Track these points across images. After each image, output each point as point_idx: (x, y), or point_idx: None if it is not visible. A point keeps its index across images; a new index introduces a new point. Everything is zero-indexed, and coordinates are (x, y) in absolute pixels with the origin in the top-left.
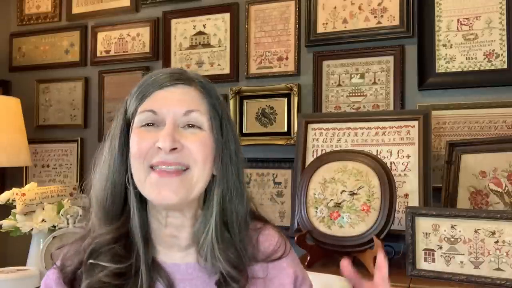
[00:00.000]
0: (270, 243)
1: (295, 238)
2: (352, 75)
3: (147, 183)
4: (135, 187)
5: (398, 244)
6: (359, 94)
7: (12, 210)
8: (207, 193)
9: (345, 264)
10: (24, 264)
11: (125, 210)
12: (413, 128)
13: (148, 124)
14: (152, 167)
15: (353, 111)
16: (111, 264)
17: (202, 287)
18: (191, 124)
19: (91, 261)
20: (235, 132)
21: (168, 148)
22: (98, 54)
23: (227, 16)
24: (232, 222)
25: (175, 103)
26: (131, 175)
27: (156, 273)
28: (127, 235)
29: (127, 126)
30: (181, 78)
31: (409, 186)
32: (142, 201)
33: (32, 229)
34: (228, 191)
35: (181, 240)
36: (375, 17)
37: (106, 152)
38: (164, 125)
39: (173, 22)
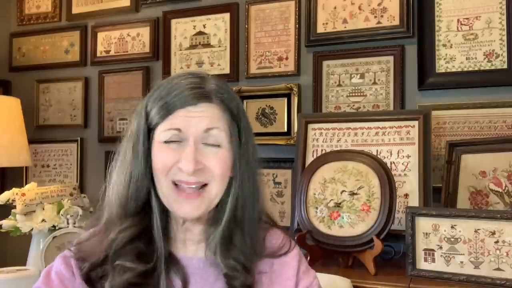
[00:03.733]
0: (276, 241)
1: (295, 238)
2: (352, 75)
3: (169, 198)
4: (156, 190)
5: (398, 244)
6: (359, 94)
7: (12, 210)
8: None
9: None
10: (24, 264)
11: (145, 209)
12: (413, 128)
13: (173, 141)
14: (174, 183)
15: (353, 111)
16: (137, 265)
17: (211, 280)
18: (211, 143)
19: (118, 262)
20: (251, 136)
21: (191, 171)
22: (98, 54)
23: (227, 16)
24: (243, 224)
25: (197, 120)
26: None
27: (173, 266)
28: (148, 229)
29: (148, 132)
30: (203, 95)
31: (409, 186)
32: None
33: (32, 229)
34: (242, 196)
35: (195, 235)
36: (375, 17)
37: (131, 155)
38: (187, 141)
39: (173, 22)
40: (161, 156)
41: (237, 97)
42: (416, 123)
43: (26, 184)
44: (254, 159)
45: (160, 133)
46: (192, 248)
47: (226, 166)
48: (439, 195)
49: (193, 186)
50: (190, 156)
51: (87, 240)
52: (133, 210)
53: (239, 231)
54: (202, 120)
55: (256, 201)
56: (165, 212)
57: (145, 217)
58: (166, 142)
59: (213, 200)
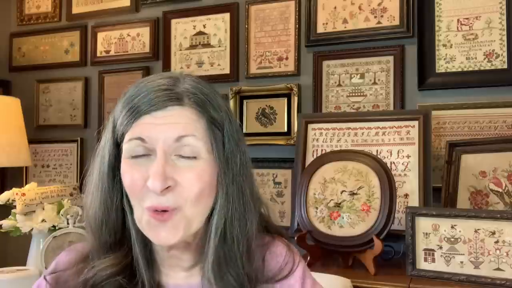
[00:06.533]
0: (277, 261)
1: (295, 238)
2: (352, 75)
3: (143, 222)
4: (132, 212)
5: (398, 244)
6: (359, 94)
7: (12, 210)
8: (212, 212)
9: None
10: (24, 264)
11: (125, 235)
12: (413, 128)
13: (139, 154)
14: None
15: (353, 111)
16: None
17: None
18: (186, 155)
19: None
20: (241, 141)
21: (159, 190)
22: (98, 54)
23: (227, 16)
24: (236, 246)
25: (165, 128)
26: (129, 201)
27: None
28: (131, 263)
29: (117, 146)
30: (171, 97)
31: (409, 186)
32: None
33: (32, 229)
34: (229, 217)
35: (184, 262)
36: (375, 17)
37: (96, 175)
38: (155, 154)
39: (173, 22)
40: (127, 176)
41: (220, 99)
42: (416, 123)
43: (26, 184)
44: (242, 170)
45: (125, 146)
46: (184, 274)
47: (204, 183)
48: (439, 195)
49: (166, 210)
50: (158, 171)
51: (66, 268)
52: (111, 242)
53: (233, 255)
54: (171, 127)
55: (247, 218)
56: (146, 239)
57: (128, 253)
58: (133, 157)
59: (191, 223)
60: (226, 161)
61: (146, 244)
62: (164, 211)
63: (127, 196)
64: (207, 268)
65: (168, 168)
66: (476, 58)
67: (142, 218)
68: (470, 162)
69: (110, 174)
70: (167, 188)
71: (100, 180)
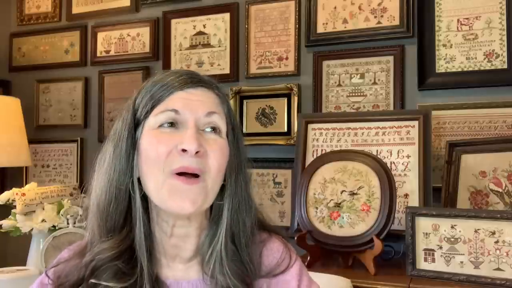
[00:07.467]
0: (274, 257)
1: (295, 238)
2: (352, 75)
3: (164, 190)
4: (140, 192)
5: (398, 244)
6: (359, 94)
7: (12, 210)
8: (212, 203)
9: None
10: (24, 264)
11: (127, 220)
12: (413, 128)
13: (168, 125)
14: (171, 173)
15: (353, 111)
16: (115, 284)
17: None
18: (212, 128)
19: (92, 280)
20: (242, 138)
21: (194, 150)
22: (98, 54)
23: (227, 16)
24: (240, 236)
25: (198, 104)
26: (138, 180)
27: None
28: (130, 248)
29: (135, 128)
30: (202, 80)
31: (409, 186)
32: (145, 209)
33: (32, 229)
34: (237, 202)
35: (185, 252)
36: (375, 17)
37: (111, 155)
38: (185, 127)
39: (173, 22)
40: (154, 142)
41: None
42: (416, 123)
43: (26, 184)
44: (246, 163)
45: (152, 119)
46: (182, 266)
47: (224, 158)
48: (439, 195)
49: (195, 173)
50: (192, 135)
51: (66, 262)
52: (114, 224)
53: (237, 245)
54: (203, 103)
55: (251, 206)
56: (148, 225)
57: (127, 236)
58: (160, 127)
59: (208, 195)
60: (238, 149)
61: (148, 231)
62: (193, 175)
63: (137, 176)
64: (213, 258)
65: (199, 137)
66: (476, 58)
67: (163, 185)
68: (470, 162)
69: (127, 152)
70: (197, 153)
71: (116, 159)
